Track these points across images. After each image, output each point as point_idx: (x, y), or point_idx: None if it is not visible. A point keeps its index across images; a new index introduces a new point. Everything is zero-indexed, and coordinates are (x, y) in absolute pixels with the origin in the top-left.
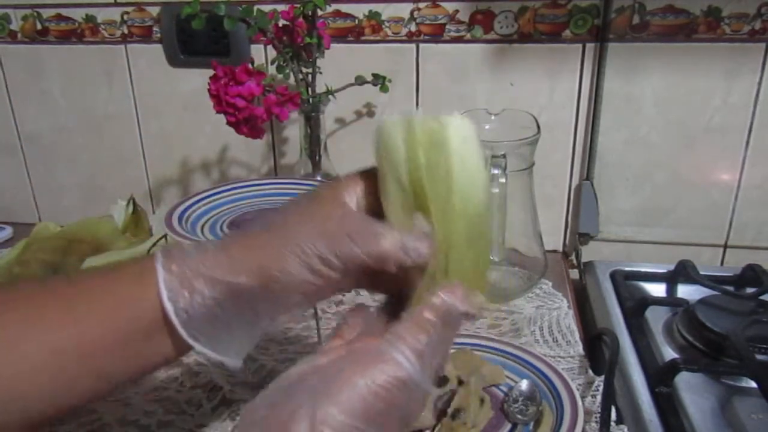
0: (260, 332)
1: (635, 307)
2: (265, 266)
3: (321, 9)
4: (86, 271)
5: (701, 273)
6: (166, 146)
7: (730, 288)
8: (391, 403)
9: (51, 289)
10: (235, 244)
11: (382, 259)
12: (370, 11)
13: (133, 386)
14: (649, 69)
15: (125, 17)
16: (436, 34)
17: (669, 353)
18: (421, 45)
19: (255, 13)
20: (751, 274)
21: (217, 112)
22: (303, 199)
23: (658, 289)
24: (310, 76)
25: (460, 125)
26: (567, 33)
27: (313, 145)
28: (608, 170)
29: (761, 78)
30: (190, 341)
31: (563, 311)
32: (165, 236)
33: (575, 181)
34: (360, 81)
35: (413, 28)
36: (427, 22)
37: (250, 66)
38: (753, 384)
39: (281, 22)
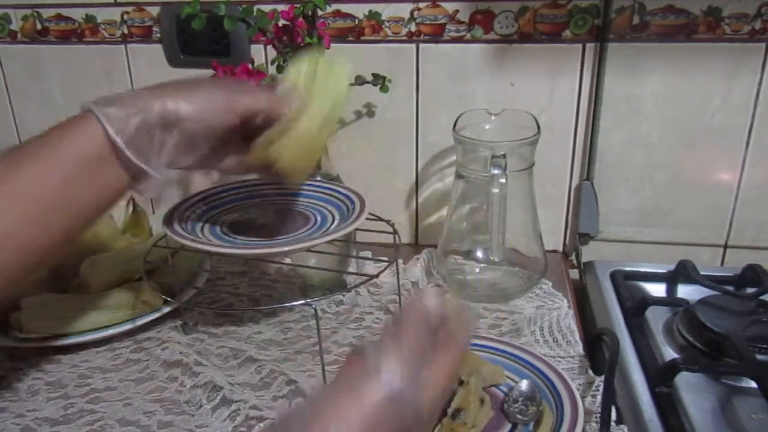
0: (187, 164)
1: (635, 307)
2: (193, 96)
3: (321, 9)
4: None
5: (701, 273)
6: None
7: (730, 288)
8: (383, 423)
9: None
10: (163, 85)
11: (259, 108)
12: (370, 11)
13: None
14: (649, 69)
15: (125, 17)
16: (436, 34)
17: (669, 353)
18: (421, 45)
19: (255, 13)
20: (751, 274)
21: None
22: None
23: (658, 289)
24: None
25: (341, 65)
26: (567, 33)
27: None
28: (608, 170)
29: (761, 78)
30: (134, 159)
31: (563, 311)
32: (165, 236)
33: (575, 181)
34: (360, 81)
35: (413, 28)
36: (427, 22)
37: (250, 66)
38: (753, 384)
39: (281, 22)
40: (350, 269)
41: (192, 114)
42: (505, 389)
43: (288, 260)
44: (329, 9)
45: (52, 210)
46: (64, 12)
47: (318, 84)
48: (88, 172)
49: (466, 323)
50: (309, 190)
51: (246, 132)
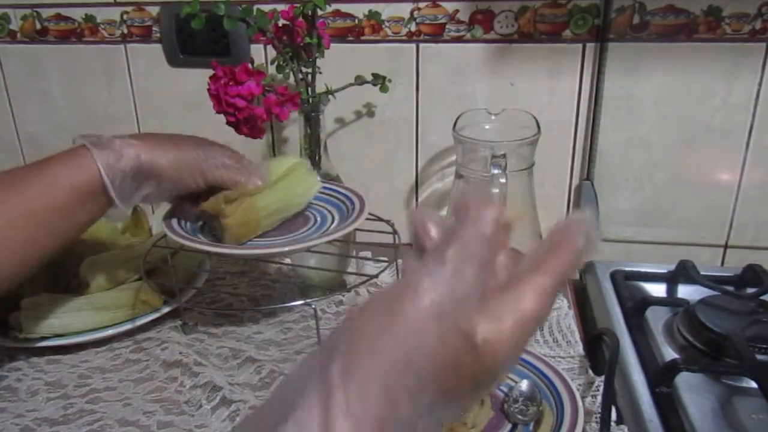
0: (157, 200)
1: (635, 307)
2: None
3: (321, 9)
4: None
5: (701, 273)
6: None
7: (731, 288)
8: (426, 345)
9: None
10: (149, 140)
11: (227, 182)
12: (370, 11)
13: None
14: (649, 69)
15: (125, 17)
16: (436, 34)
17: (669, 353)
18: (421, 45)
19: (255, 13)
20: (751, 274)
21: (217, 112)
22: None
23: (658, 289)
24: (309, 76)
25: (313, 183)
26: (567, 33)
27: (313, 145)
28: (608, 170)
29: (761, 78)
30: (116, 199)
31: (563, 311)
32: (165, 236)
33: (575, 181)
34: (360, 81)
35: (413, 27)
36: (427, 21)
37: (250, 66)
38: (753, 384)
39: (281, 22)
40: (350, 269)
41: (172, 173)
42: (505, 389)
43: (288, 260)
44: (329, 9)
45: (42, 229)
46: (64, 12)
47: (287, 182)
48: (78, 201)
49: (574, 238)
50: None
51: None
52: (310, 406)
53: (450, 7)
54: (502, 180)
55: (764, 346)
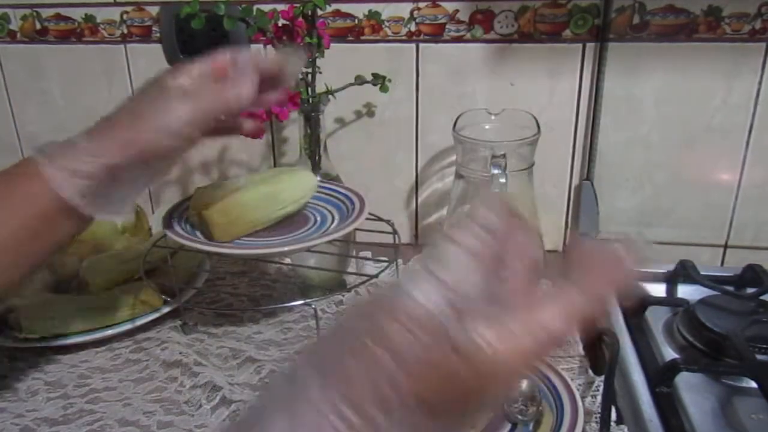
0: (143, 187)
1: (635, 307)
2: (134, 141)
3: (321, 9)
4: None
5: (701, 273)
6: None
7: (730, 288)
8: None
9: None
10: (102, 130)
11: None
12: (369, 11)
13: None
14: (649, 69)
15: (125, 17)
16: (436, 34)
17: (669, 353)
18: (421, 45)
19: (255, 13)
20: (751, 274)
21: None
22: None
23: (658, 289)
24: (309, 76)
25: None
26: (567, 33)
27: (313, 145)
28: (608, 170)
29: (761, 78)
30: (91, 214)
31: None
32: (165, 236)
33: (575, 181)
34: (360, 81)
35: (413, 27)
36: (427, 21)
37: None
38: (753, 384)
39: (281, 22)
40: (350, 269)
41: (147, 155)
42: None
43: (288, 260)
44: (329, 9)
45: (7, 254)
46: (64, 12)
47: (276, 178)
48: (42, 226)
49: (623, 259)
50: None
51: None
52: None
53: (450, 7)
54: (502, 180)
55: (764, 346)
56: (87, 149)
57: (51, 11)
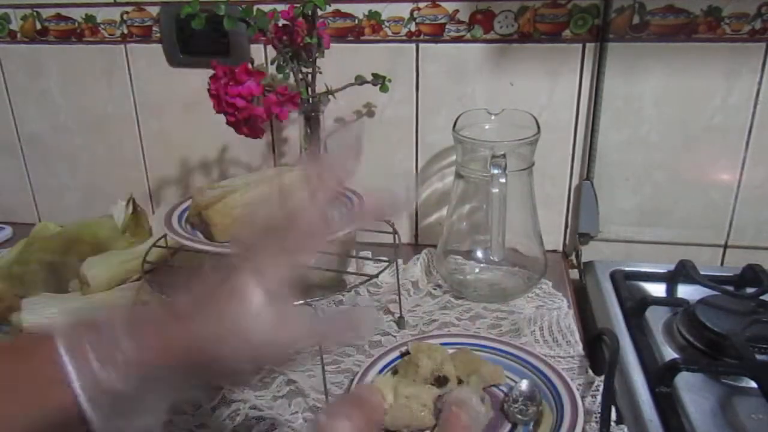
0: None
1: (635, 307)
2: (196, 348)
3: (321, 9)
4: None
5: (701, 273)
6: (166, 146)
7: (730, 288)
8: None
9: None
10: (150, 325)
11: None
12: (370, 11)
13: None
14: (649, 69)
15: (125, 17)
16: (436, 34)
17: (669, 353)
18: (421, 45)
19: (255, 13)
20: (751, 274)
21: (217, 112)
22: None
23: (658, 289)
24: (309, 76)
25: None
26: (567, 33)
27: (313, 145)
28: (608, 170)
29: (761, 78)
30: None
31: (563, 311)
32: (165, 236)
33: (575, 181)
34: (360, 81)
35: (413, 27)
36: (427, 21)
37: (249, 66)
38: (753, 384)
39: (281, 22)
40: (350, 269)
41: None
42: (505, 389)
43: None
44: (329, 9)
45: None
46: (64, 12)
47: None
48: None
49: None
50: None
51: None
52: None
53: (450, 7)
54: (502, 180)
55: (764, 346)
56: (130, 342)
57: (51, 11)
